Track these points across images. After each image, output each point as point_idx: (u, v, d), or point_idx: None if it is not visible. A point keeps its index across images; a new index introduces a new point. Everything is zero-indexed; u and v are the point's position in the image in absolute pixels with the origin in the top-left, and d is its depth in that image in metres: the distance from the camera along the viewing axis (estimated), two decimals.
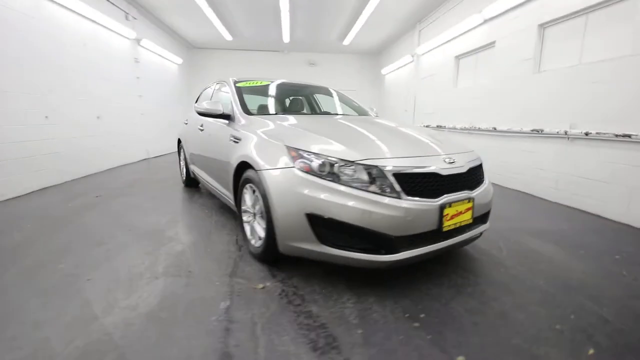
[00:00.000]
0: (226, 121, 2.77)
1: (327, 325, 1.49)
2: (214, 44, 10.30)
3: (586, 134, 3.38)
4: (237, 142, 2.39)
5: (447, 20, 6.22)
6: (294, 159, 1.82)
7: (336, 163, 1.72)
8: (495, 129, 4.82)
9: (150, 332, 1.43)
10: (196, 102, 4.27)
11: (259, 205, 2.03)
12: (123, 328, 1.44)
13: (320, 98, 3.90)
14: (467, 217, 1.86)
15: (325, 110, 3.64)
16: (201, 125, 3.36)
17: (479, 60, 5.52)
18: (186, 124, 4.16)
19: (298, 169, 1.78)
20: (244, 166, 2.22)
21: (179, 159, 4.71)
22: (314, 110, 3.70)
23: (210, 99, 3.53)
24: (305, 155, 1.79)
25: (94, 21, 5.36)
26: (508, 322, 1.55)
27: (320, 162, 1.73)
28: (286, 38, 9.15)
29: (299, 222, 1.73)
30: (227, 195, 2.70)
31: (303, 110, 3.44)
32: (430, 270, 2.07)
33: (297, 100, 3.43)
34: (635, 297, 1.82)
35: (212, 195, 3.96)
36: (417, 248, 1.70)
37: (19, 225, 2.78)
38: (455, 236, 1.84)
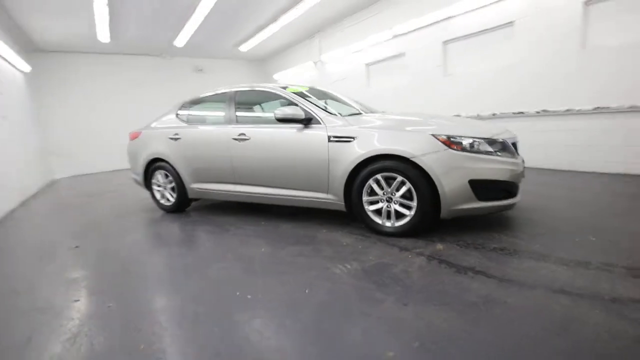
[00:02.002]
0: (299, 125, 2.83)
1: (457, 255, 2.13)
2: (73, 45, 8.17)
3: (493, 114, 5.14)
4: (349, 141, 2.59)
5: (354, 34, 7.41)
6: (445, 143, 2.31)
7: (476, 140, 2.34)
8: None
9: None
10: (177, 114, 3.78)
11: (402, 188, 2.41)
12: None
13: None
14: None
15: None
16: (236, 135, 3.14)
17: (390, 66, 6.94)
18: (175, 139, 3.60)
19: (454, 149, 2.29)
20: (368, 160, 2.48)
21: (151, 186, 3.93)
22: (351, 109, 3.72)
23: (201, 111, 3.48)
24: (456, 139, 2.32)
25: None
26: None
27: (470, 141, 2.32)
28: (181, 42, 8.34)
29: (463, 189, 2.27)
30: (317, 197, 2.81)
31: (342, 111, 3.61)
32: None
33: (332, 102, 3.63)
34: None
35: (236, 210, 3.65)
36: (518, 193, 2.54)
37: None
38: None
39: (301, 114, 2.77)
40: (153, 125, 4.02)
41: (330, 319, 1.55)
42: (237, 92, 3.40)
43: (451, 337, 1.35)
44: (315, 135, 2.75)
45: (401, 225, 2.48)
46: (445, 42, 5.69)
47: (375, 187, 2.53)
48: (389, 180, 2.48)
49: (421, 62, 6.12)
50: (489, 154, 2.34)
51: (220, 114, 3.44)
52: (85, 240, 3.07)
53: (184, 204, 3.82)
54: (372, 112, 3.44)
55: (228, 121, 3.32)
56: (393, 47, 6.63)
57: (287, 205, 3.18)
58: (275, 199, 3.08)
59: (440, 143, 2.32)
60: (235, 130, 3.20)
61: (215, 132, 3.37)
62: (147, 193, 4.08)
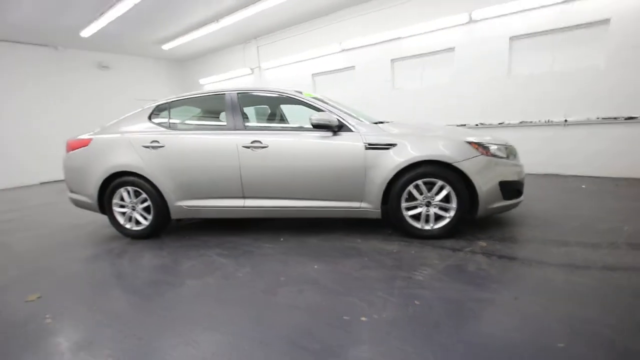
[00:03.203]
0: (327, 133, 2.71)
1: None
2: None
3: None
4: (387, 149, 2.60)
5: (300, 43, 7.44)
6: (477, 149, 2.55)
7: (499, 146, 2.67)
8: None
9: None
10: (149, 118, 3.15)
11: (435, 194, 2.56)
12: None
13: None
14: None
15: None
16: (245, 145, 2.77)
17: (339, 78, 7.20)
18: (154, 148, 2.96)
19: (485, 155, 2.55)
20: (408, 167, 2.55)
21: (110, 208, 3.10)
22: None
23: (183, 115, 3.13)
24: (484, 145, 2.59)
25: None
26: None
27: (495, 147, 2.62)
28: (89, 32, 6.86)
29: (495, 189, 2.55)
30: (348, 207, 2.73)
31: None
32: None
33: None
34: None
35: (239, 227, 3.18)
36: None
37: None
38: None
39: (335, 121, 2.65)
40: (111, 131, 3.20)
41: (479, 324, 1.54)
42: (240, 94, 3.02)
43: (598, 321, 1.51)
44: (349, 142, 2.67)
45: (440, 228, 2.62)
46: (394, 60, 6.26)
47: (414, 192, 2.60)
48: (427, 186, 2.59)
49: (371, 76, 6.57)
50: (506, 158, 2.69)
51: (218, 119, 2.99)
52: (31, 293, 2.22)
53: (162, 227, 3.14)
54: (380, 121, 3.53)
55: (233, 127, 2.91)
56: (343, 60, 6.93)
57: (292, 218, 2.96)
58: (298, 211, 2.83)
59: (474, 149, 2.55)
60: (245, 137, 2.83)
61: (217, 139, 2.90)
62: (85, 217, 3.20)
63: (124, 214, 3.13)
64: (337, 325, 1.60)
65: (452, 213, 2.58)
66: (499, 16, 4.99)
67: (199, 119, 3.32)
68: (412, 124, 3.02)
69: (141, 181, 2.99)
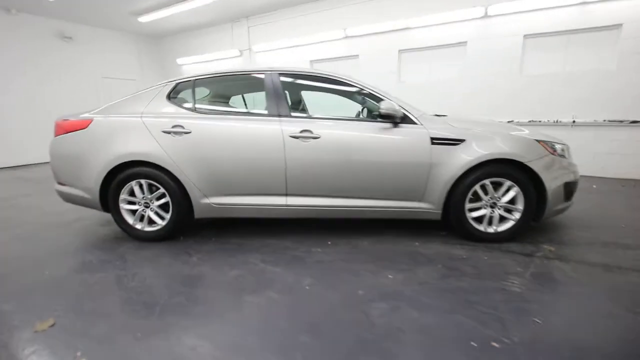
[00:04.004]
0: (387, 124, 2.43)
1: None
2: None
3: None
4: (455, 144, 2.38)
5: (299, 27, 6.97)
6: (545, 148, 2.42)
7: (564, 146, 2.56)
8: None
9: None
10: (169, 97, 2.65)
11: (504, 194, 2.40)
12: None
13: None
14: None
15: None
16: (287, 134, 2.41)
17: (340, 66, 6.85)
18: (178, 134, 2.49)
19: (553, 154, 2.43)
20: (476, 166, 2.35)
21: (117, 206, 2.57)
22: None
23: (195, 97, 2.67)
24: (550, 144, 2.46)
25: None
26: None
27: (560, 147, 2.51)
28: None
29: (559, 191, 2.44)
30: (406, 207, 2.49)
31: None
32: None
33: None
34: None
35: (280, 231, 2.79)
36: None
37: None
38: None
39: (399, 112, 2.38)
40: (116, 111, 2.65)
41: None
42: (282, 74, 2.61)
43: None
44: (413, 136, 2.41)
45: (505, 231, 2.47)
46: (401, 51, 6.05)
47: (480, 192, 2.42)
48: (493, 186, 2.42)
49: (376, 66, 6.31)
50: (566, 158, 2.59)
51: (253, 103, 2.57)
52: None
53: (180, 228, 2.68)
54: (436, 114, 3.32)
55: (276, 113, 2.51)
56: (346, 47, 6.59)
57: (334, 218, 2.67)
58: (349, 211, 2.54)
59: (543, 148, 2.41)
60: (292, 125, 2.45)
61: (258, 127, 2.49)
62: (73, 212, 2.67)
63: (134, 212, 2.62)
64: (472, 355, 1.35)
65: (517, 215, 2.44)
66: (515, 13, 4.95)
67: (230, 101, 2.86)
68: (469, 119, 2.81)
69: (159, 173, 2.51)
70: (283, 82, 2.60)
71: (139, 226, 2.63)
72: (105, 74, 8.74)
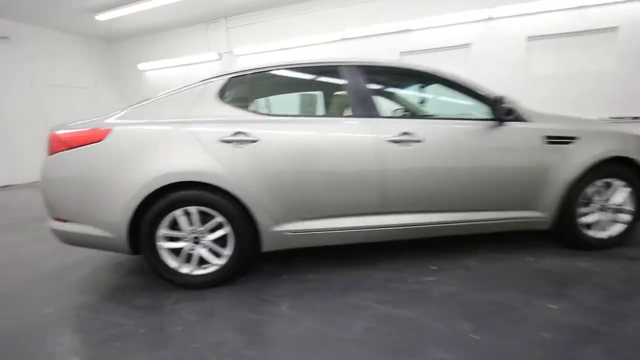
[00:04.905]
0: (490, 122, 2.10)
1: None
2: None
3: None
4: (569, 142, 2.11)
5: (287, 27, 6.49)
6: None
7: None
8: None
9: None
10: (221, 95, 2.04)
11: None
12: None
13: None
14: None
15: None
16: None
17: None
18: (240, 143, 1.88)
19: None
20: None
21: (154, 246, 1.87)
22: None
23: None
24: None
25: None
26: None
27: None
28: None
29: None
30: (518, 217, 2.16)
31: None
32: None
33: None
34: None
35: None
36: None
37: None
38: None
39: (514, 105, 2.06)
40: (146, 115, 1.96)
41: None
42: (363, 67, 2.12)
43: None
44: (524, 135, 2.10)
45: (617, 236, 2.25)
46: (402, 53, 5.89)
47: (591, 194, 2.18)
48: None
49: None
50: None
51: (331, 102, 2.07)
52: None
53: (240, 267, 2.04)
54: None
55: (364, 114, 2.02)
56: (341, 50, 6.25)
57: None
58: (456, 228, 2.13)
59: None
60: (390, 127, 1.99)
61: (346, 130, 1.98)
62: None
63: (176, 251, 1.93)
64: None
65: (626, 218, 2.23)
66: (518, 15, 5.04)
67: (304, 99, 2.30)
68: (559, 115, 2.55)
69: (214, 196, 1.87)
70: (364, 75, 2.13)
71: (185, 270, 1.94)
72: (50, 81, 7.37)
